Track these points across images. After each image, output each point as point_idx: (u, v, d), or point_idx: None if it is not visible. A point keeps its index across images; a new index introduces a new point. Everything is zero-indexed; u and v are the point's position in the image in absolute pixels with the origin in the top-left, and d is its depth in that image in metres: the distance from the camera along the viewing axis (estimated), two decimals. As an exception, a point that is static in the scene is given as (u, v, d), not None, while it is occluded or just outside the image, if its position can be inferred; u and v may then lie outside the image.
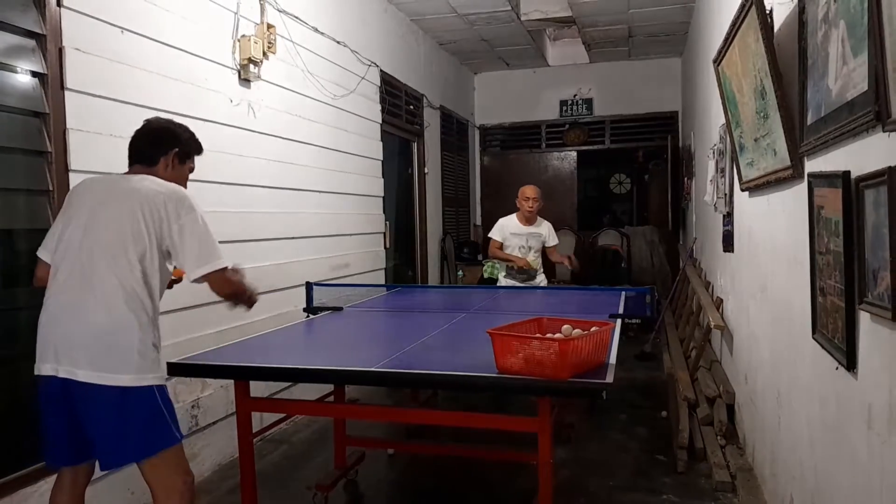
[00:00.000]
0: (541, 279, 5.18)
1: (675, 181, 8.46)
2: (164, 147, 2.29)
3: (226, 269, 2.22)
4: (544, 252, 5.26)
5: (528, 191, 5.12)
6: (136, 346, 2.07)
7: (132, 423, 2.05)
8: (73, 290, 2.08)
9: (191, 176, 2.41)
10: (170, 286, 2.35)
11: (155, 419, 2.09)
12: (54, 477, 2.25)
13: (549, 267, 5.65)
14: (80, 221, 2.15)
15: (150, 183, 2.19)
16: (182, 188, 2.25)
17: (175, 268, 2.30)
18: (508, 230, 5.13)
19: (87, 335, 2.04)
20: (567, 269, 5.44)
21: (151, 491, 2.13)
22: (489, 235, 5.23)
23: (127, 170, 2.30)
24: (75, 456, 2.16)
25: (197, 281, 2.20)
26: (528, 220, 5.13)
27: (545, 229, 5.20)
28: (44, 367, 2.09)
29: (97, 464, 2.17)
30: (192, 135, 2.40)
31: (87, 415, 2.06)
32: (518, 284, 5.05)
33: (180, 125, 2.39)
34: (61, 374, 2.05)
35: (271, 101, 4.23)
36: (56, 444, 2.14)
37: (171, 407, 2.15)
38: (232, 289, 2.27)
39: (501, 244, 5.13)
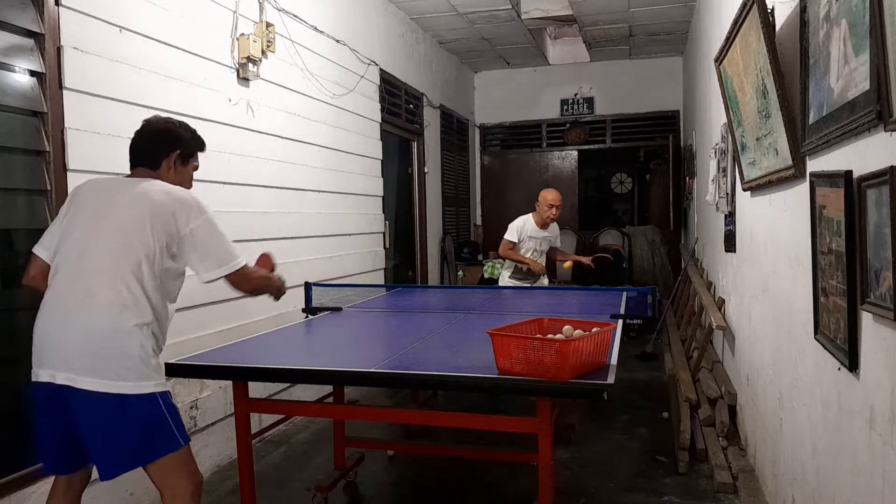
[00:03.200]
0: (544, 280, 5.21)
1: (676, 180, 8.45)
2: (165, 149, 2.26)
3: (245, 266, 2.26)
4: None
5: (553, 198, 5.06)
6: (137, 353, 2.02)
7: (133, 431, 2.00)
8: (73, 295, 2.03)
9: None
10: None
11: (158, 426, 2.04)
12: (52, 479, 2.22)
13: (549, 267, 5.64)
14: (83, 225, 2.11)
15: (158, 190, 2.15)
16: (190, 193, 2.21)
17: None
18: (526, 232, 5.11)
19: (87, 341, 1.99)
20: (583, 267, 5.45)
21: (160, 492, 2.10)
22: (505, 237, 5.11)
23: (129, 172, 2.28)
24: (71, 464, 2.12)
25: (213, 281, 2.21)
26: (545, 225, 5.14)
27: (555, 232, 5.26)
28: (41, 374, 2.03)
29: (95, 472, 2.12)
30: (194, 132, 2.36)
31: (87, 423, 2.00)
32: (520, 284, 5.04)
33: (181, 124, 2.34)
34: (59, 381, 1.99)
35: (270, 101, 4.22)
36: (52, 451, 2.09)
37: (174, 412, 2.10)
38: (254, 285, 2.35)
39: (515, 245, 5.11)
